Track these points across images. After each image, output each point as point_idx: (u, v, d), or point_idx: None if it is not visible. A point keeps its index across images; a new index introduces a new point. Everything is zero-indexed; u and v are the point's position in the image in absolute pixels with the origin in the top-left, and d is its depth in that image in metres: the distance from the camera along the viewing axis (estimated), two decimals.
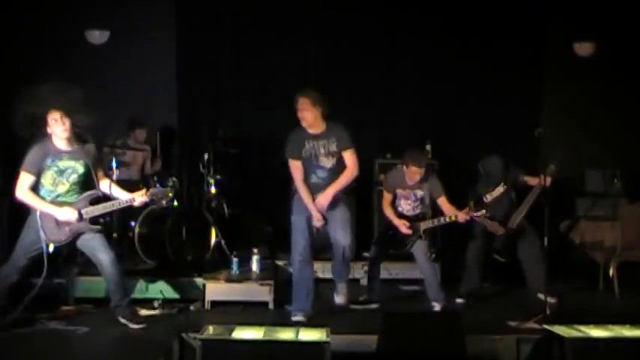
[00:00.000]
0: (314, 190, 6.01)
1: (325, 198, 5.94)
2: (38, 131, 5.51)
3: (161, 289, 6.55)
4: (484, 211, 6.31)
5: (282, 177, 6.67)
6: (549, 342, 4.89)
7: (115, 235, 6.75)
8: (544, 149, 6.10)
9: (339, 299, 6.28)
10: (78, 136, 5.60)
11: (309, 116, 5.95)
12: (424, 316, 5.82)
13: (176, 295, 6.57)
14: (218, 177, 7.78)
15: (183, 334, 5.18)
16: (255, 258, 6.72)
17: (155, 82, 8.39)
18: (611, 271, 7.20)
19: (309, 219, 5.99)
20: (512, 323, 5.83)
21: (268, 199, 6.71)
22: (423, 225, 6.40)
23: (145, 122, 7.92)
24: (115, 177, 6.86)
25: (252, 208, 8.19)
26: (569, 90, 8.75)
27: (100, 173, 5.74)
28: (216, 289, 6.51)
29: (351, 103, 8.44)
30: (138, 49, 8.36)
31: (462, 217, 6.28)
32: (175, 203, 7.34)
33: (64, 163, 5.55)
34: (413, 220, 6.45)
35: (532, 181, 6.67)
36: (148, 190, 5.72)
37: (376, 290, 6.65)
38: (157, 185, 7.15)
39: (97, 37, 8.35)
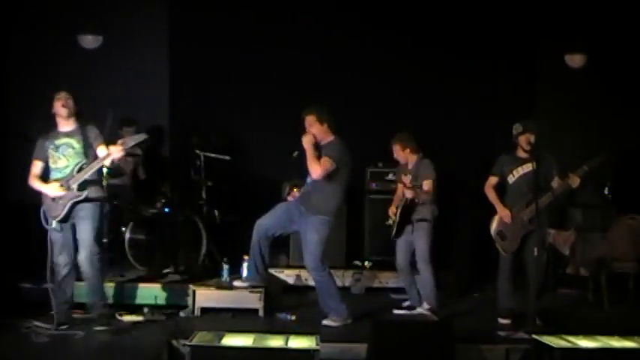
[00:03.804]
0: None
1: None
2: None
3: (151, 296, 6.54)
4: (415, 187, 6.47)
5: (273, 183, 6.63)
6: (538, 352, 4.92)
7: (105, 240, 6.73)
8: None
9: (326, 321, 6.16)
10: (78, 116, 5.85)
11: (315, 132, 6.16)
12: (414, 324, 5.83)
13: (166, 302, 6.56)
14: (209, 183, 7.77)
15: (173, 341, 5.17)
16: (245, 265, 6.70)
17: (147, 87, 8.35)
18: (600, 283, 7.23)
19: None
20: (502, 333, 5.85)
21: (259, 205, 6.71)
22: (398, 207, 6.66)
23: (133, 121, 7.80)
24: (104, 184, 6.75)
25: (243, 214, 8.18)
26: (560, 101, 8.78)
27: (102, 145, 5.79)
28: (206, 296, 6.50)
29: (343, 111, 8.41)
30: (131, 54, 8.33)
31: (408, 193, 6.49)
32: (167, 210, 7.34)
33: (59, 141, 5.80)
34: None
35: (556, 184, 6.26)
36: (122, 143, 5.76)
37: (415, 295, 6.70)
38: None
39: (90, 42, 8.33)
